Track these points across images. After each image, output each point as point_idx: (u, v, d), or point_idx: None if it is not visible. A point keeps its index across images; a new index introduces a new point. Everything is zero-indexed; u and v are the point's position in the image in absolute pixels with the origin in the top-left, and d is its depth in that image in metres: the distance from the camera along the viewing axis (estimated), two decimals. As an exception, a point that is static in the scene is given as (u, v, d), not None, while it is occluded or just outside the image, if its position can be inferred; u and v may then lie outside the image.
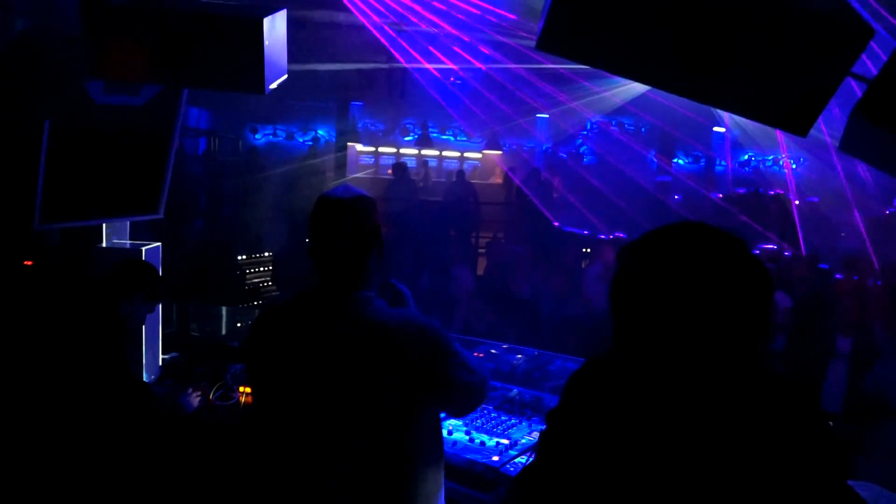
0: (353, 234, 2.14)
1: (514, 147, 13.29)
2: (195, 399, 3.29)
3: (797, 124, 1.71)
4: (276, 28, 2.64)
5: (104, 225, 3.55)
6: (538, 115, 12.96)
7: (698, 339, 1.39)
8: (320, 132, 12.55)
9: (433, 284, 6.48)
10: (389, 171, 11.23)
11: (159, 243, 3.72)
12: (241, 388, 3.49)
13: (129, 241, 3.73)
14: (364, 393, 2.07)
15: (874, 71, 1.68)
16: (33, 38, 2.68)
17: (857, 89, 1.77)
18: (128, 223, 3.70)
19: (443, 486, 2.27)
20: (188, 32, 2.56)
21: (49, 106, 2.92)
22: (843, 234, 9.05)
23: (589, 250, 9.64)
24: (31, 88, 2.87)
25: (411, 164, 12.51)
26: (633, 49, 1.67)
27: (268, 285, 8.15)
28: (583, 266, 9.24)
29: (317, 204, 2.16)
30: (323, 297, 2.18)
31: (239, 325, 5.29)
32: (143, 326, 3.55)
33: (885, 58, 1.70)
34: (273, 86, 2.64)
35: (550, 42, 1.70)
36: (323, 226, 2.15)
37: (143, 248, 3.56)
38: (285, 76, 2.72)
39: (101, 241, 3.57)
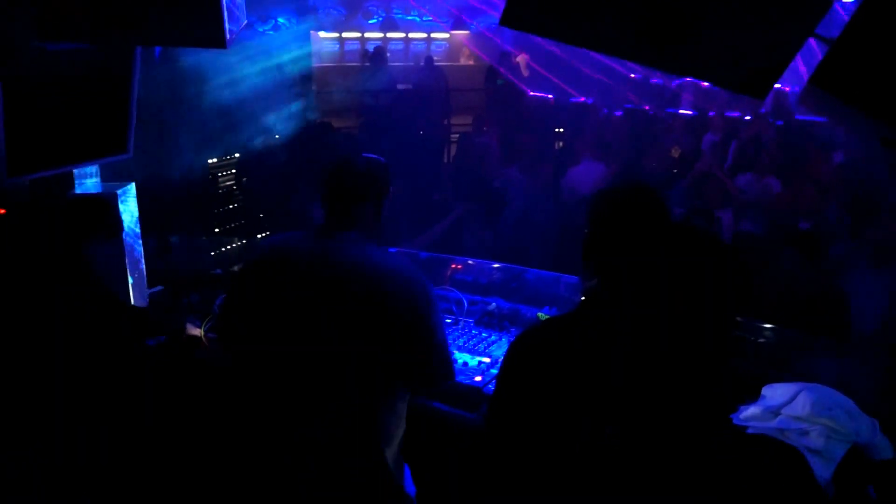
0: (353, 183, 2.34)
1: (482, 25, 12.84)
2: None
3: (757, 88, 1.75)
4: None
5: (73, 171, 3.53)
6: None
7: None
8: (280, 20, 11.96)
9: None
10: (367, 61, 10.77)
11: (132, 182, 3.71)
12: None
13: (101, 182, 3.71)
14: (335, 337, 2.16)
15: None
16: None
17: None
18: (97, 166, 3.67)
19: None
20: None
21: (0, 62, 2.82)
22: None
23: (561, 131, 9.63)
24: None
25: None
26: (598, 23, 1.67)
27: (237, 189, 8.05)
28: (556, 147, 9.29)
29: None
30: (318, 236, 2.33)
31: (223, 249, 5.32)
32: (127, 262, 3.62)
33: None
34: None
35: (514, 18, 1.69)
36: (332, 177, 2.36)
37: (117, 191, 3.55)
38: (245, 22, 2.63)
39: (73, 188, 3.55)
